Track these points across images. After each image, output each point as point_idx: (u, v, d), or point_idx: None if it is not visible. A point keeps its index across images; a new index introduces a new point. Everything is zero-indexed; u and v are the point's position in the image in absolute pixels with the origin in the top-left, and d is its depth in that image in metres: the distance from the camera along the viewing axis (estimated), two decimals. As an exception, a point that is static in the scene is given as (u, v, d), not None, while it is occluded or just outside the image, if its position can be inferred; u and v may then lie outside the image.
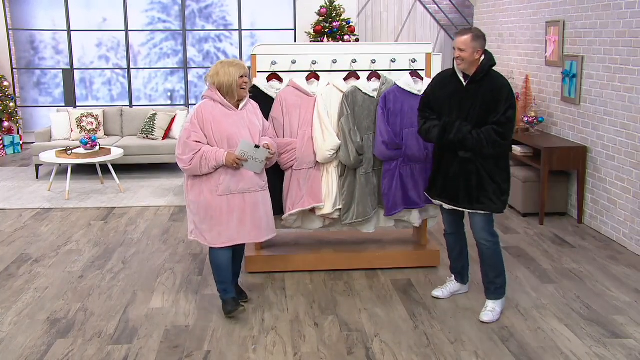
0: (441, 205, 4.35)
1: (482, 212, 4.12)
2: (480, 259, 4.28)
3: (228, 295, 4.27)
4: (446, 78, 4.19)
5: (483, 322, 4.18)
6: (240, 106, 4.17)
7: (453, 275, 4.63)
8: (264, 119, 4.42)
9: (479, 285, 4.64)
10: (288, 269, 5.07)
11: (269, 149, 4.18)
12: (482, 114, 4.00)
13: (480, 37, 4.00)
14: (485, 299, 4.35)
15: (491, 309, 4.24)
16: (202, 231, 4.20)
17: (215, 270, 4.28)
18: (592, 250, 5.60)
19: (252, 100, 4.33)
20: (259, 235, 4.28)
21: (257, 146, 4.12)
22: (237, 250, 4.47)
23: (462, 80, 4.08)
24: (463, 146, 4.04)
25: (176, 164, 4.45)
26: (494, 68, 4.07)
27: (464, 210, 4.20)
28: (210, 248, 4.24)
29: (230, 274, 4.29)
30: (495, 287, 4.27)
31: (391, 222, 5.10)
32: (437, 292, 4.59)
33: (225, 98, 4.11)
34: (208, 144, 4.10)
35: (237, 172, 4.12)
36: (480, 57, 4.01)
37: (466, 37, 3.97)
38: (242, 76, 4.10)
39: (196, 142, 4.06)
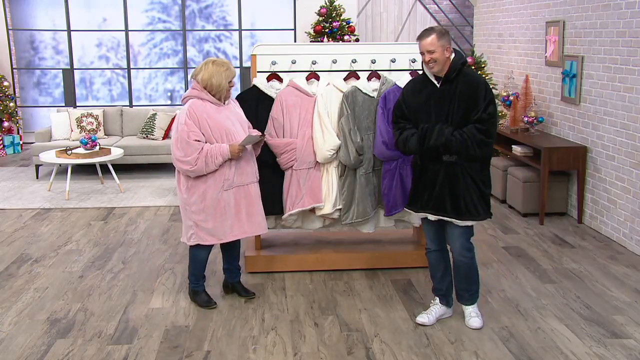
0: (425, 218, 4.06)
1: (468, 223, 3.91)
2: (455, 271, 4.10)
3: (201, 288, 4.50)
4: (417, 84, 3.99)
5: (474, 329, 4.09)
6: (226, 101, 4.28)
7: (437, 298, 4.24)
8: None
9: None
10: (288, 269, 5.07)
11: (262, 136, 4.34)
12: (462, 114, 3.80)
13: (444, 33, 3.80)
14: (462, 305, 4.20)
15: (475, 314, 4.14)
16: (208, 231, 4.22)
17: (194, 265, 4.42)
18: (592, 250, 5.60)
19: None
20: (265, 225, 4.43)
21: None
22: (234, 247, 4.51)
23: (435, 82, 3.87)
24: (447, 150, 3.80)
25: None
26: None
27: (450, 220, 3.93)
28: (191, 246, 4.34)
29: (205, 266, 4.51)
30: (469, 294, 4.13)
31: (391, 222, 5.11)
32: (422, 319, 4.17)
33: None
34: (206, 142, 4.12)
35: (239, 166, 4.22)
36: (450, 55, 3.81)
37: (432, 37, 3.76)
38: (230, 81, 4.19)
39: (196, 140, 4.09)
